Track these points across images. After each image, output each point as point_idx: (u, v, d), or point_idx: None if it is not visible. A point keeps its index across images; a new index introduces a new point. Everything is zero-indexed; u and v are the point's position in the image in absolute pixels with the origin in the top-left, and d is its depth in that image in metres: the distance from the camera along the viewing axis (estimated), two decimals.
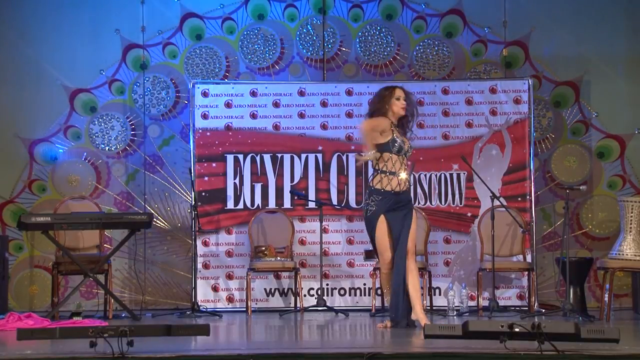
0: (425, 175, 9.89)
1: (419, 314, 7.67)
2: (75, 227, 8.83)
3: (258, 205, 9.89)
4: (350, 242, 9.90)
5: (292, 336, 7.76)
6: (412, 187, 7.93)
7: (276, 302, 9.85)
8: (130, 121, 10.29)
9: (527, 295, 9.58)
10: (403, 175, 7.68)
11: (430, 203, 9.84)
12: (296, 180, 9.93)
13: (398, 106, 7.79)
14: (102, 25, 10.26)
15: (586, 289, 9.53)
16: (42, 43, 10.23)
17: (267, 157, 9.93)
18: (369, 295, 9.72)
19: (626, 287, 9.97)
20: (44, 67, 10.22)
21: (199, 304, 9.40)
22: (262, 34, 10.38)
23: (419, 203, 9.86)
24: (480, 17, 10.37)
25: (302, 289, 9.62)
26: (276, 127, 9.97)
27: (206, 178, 9.89)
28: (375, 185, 7.71)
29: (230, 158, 9.92)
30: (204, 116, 9.93)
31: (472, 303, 9.54)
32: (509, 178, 9.84)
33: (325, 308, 9.32)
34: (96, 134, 10.26)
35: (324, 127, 9.97)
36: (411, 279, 7.65)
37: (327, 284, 9.79)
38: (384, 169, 7.69)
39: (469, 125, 9.86)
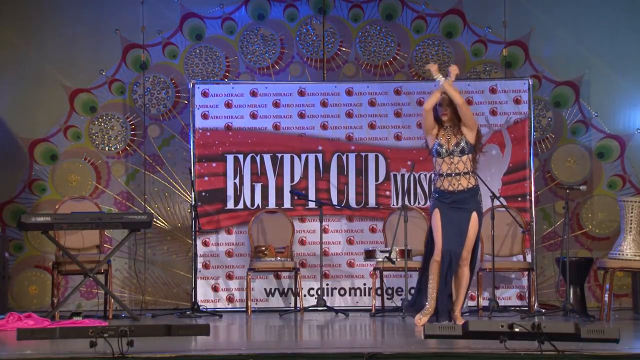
0: (425, 175, 9.89)
1: (457, 316, 7.91)
2: (75, 227, 8.83)
3: (258, 205, 9.90)
4: (350, 242, 9.90)
5: (292, 336, 7.76)
6: (468, 188, 7.86)
7: (276, 302, 9.85)
8: (130, 121, 10.29)
9: (527, 295, 9.58)
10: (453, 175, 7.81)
11: (432, 182, 9.83)
12: (296, 180, 9.94)
13: (440, 113, 7.89)
14: (102, 25, 10.26)
15: (586, 289, 9.53)
16: (43, 43, 10.23)
17: (267, 157, 9.93)
18: (369, 295, 9.72)
19: (626, 287, 9.96)
20: (44, 67, 10.22)
21: (199, 304, 9.40)
22: (262, 34, 10.39)
23: (419, 203, 9.86)
24: (480, 17, 10.37)
25: (302, 289, 9.62)
26: (276, 127, 9.98)
27: (206, 178, 9.90)
28: (434, 184, 7.98)
29: (230, 158, 9.93)
30: (204, 116, 9.93)
31: (472, 303, 9.54)
32: (509, 178, 9.84)
33: (325, 308, 9.32)
34: (96, 134, 10.26)
35: (324, 127, 9.97)
36: (455, 283, 7.89)
37: (327, 284, 9.79)
38: (435, 171, 7.96)
39: None
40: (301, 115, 9.99)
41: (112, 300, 9.15)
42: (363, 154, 9.94)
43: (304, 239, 9.92)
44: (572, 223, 10.04)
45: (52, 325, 7.49)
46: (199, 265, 9.78)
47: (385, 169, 9.92)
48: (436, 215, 7.87)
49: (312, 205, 9.79)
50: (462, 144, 7.78)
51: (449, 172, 7.81)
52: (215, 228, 9.86)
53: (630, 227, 8.63)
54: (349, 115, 9.99)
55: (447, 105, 7.84)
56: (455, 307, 7.92)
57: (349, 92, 10.01)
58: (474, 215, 7.83)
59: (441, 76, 7.93)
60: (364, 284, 9.86)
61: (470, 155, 7.81)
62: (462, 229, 7.78)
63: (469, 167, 7.81)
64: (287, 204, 9.92)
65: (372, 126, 9.96)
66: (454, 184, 7.80)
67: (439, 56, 10.37)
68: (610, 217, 10.10)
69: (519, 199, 9.82)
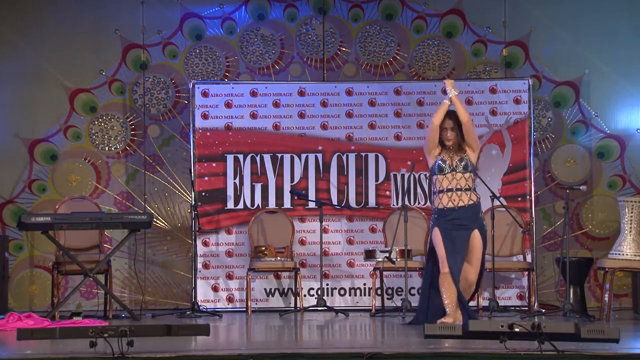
0: (425, 175, 9.89)
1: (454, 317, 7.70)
2: (75, 227, 8.83)
3: (258, 205, 9.90)
4: (350, 242, 9.90)
5: (292, 336, 7.76)
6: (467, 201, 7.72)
7: (276, 302, 9.85)
8: (130, 121, 10.29)
9: (527, 295, 9.58)
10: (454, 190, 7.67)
11: (431, 203, 9.82)
12: (296, 180, 9.94)
13: (444, 137, 7.78)
14: (102, 25, 10.27)
15: (586, 289, 9.53)
16: (42, 43, 10.23)
17: (267, 157, 9.93)
18: (369, 295, 9.72)
19: (626, 287, 9.97)
20: (44, 67, 10.22)
21: (199, 304, 9.40)
22: (262, 34, 10.39)
23: (418, 203, 9.86)
24: (480, 17, 10.37)
25: (302, 289, 9.62)
26: (276, 127, 9.98)
27: (206, 178, 9.90)
28: (433, 204, 7.84)
29: (230, 158, 9.93)
30: (204, 116, 9.94)
31: (472, 303, 9.50)
32: (509, 178, 9.84)
33: (325, 308, 9.32)
34: (96, 134, 10.26)
35: (324, 127, 9.97)
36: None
37: (327, 284, 9.79)
38: (434, 189, 7.80)
39: None
40: (301, 115, 9.99)
41: (112, 300, 9.15)
42: (363, 154, 9.94)
43: (304, 239, 9.92)
44: (572, 223, 10.03)
45: (52, 325, 7.49)
46: (199, 265, 9.78)
47: (385, 169, 9.92)
48: (436, 232, 7.75)
49: (312, 205, 9.79)
50: (466, 161, 7.71)
51: (449, 187, 7.69)
52: (215, 228, 9.86)
53: (630, 227, 8.62)
54: (349, 115, 9.99)
55: (451, 129, 7.75)
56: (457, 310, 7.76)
57: (349, 92, 10.01)
58: (476, 233, 7.71)
59: (454, 92, 7.78)
60: (364, 284, 9.86)
61: (472, 174, 7.74)
62: (463, 248, 7.65)
63: (470, 184, 7.72)
64: (287, 204, 9.92)
65: (372, 126, 9.96)
66: (454, 200, 7.69)
67: (439, 56, 10.37)
68: (610, 217, 10.10)
69: (519, 199, 9.82)
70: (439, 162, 7.73)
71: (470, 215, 7.71)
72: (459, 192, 7.68)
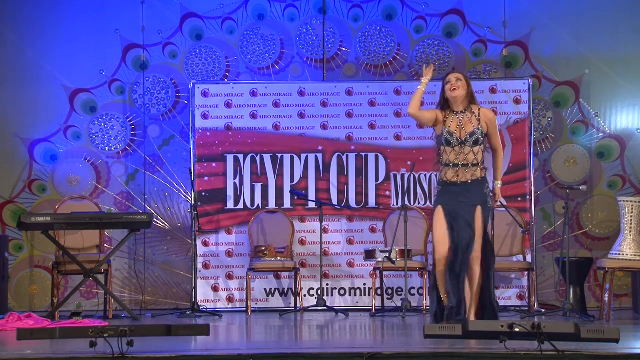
0: (425, 176, 9.90)
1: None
2: (75, 227, 8.83)
3: (258, 205, 9.90)
4: (350, 242, 9.90)
5: (292, 336, 7.75)
6: (476, 181, 7.21)
7: (276, 302, 9.85)
8: (130, 121, 10.29)
9: (527, 295, 9.58)
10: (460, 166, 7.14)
11: (431, 203, 9.84)
12: (296, 180, 9.94)
13: (448, 91, 7.26)
14: (102, 25, 10.27)
15: (586, 289, 9.54)
16: (42, 43, 10.23)
17: (267, 157, 9.93)
18: (369, 295, 9.72)
19: (626, 287, 9.97)
20: (44, 67, 10.23)
21: (199, 304, 9.40)
22: (262, 34, 10.39)
23: (419, 203, 9.86)
24: (480, 17, 10.37)
25: (302, 289, 9.62)
26: (276, 127, 9.98)
27: (206, 178, 9.90)
28: (438, 176, 7.34)
29: (230, 158, 9.93)
30: (204, 116, 9.94)
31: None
32: (509, 178, 9.84)
33: (325, 308, 9.32)
34: (96, 134, 10.26)
35: (324, 127, 9.97)
36: (469, 285, 7.22)
37: (327, 284, 9.79)
38: (440, 160, 7.27)
39: None
40: (301, 115, 9.99)
41: (112, 300, 9.15)
42: (363, 154, 9.94)
43: (304, 239, 9.92)
44: (572, 223, 10.03)
45: (52, 325, 7.48)
46: (199, 265, 9.78)
47: (385, 169, 9.93)
48: (438, 214, 7.23)
49: (312, 205, 9.80)
50: (477, 135, 7.19)
51: (456, 162, 7.17)
52: (215, 228, 9.86)
53: (630, 227, 8.63)
54: (349, 115, 9.99)
55: (456, 80, 7.30)
56: (470, 310, 7.21)
57: (349, 92, 10.01)
58: (479, 209, 7.15)
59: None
60: (364, 284, 9.86)
61: (482, 145, 7.22)
62: (469, 223, 7.13)
63: (479, 159, 7.19)
64: (287, 204, 9.92)
65: (372, 126, 9.97)
66: (458, 175, 7.16)
67: (439, 56, 10.37)
68: (610, 217, 10.10)
69: (519, 199, 9.82)
70: (446, 135, 7.19)
71: (474, 190, 7.18)
72: (465, 168, 7.16)
